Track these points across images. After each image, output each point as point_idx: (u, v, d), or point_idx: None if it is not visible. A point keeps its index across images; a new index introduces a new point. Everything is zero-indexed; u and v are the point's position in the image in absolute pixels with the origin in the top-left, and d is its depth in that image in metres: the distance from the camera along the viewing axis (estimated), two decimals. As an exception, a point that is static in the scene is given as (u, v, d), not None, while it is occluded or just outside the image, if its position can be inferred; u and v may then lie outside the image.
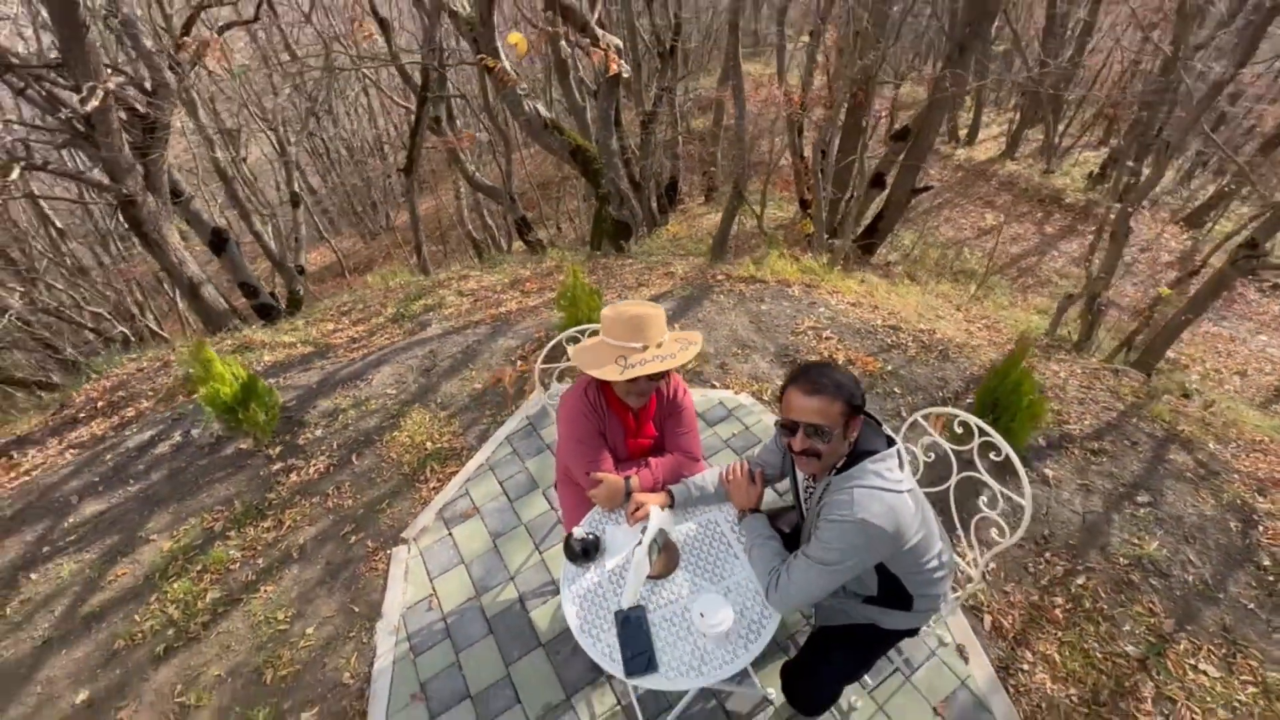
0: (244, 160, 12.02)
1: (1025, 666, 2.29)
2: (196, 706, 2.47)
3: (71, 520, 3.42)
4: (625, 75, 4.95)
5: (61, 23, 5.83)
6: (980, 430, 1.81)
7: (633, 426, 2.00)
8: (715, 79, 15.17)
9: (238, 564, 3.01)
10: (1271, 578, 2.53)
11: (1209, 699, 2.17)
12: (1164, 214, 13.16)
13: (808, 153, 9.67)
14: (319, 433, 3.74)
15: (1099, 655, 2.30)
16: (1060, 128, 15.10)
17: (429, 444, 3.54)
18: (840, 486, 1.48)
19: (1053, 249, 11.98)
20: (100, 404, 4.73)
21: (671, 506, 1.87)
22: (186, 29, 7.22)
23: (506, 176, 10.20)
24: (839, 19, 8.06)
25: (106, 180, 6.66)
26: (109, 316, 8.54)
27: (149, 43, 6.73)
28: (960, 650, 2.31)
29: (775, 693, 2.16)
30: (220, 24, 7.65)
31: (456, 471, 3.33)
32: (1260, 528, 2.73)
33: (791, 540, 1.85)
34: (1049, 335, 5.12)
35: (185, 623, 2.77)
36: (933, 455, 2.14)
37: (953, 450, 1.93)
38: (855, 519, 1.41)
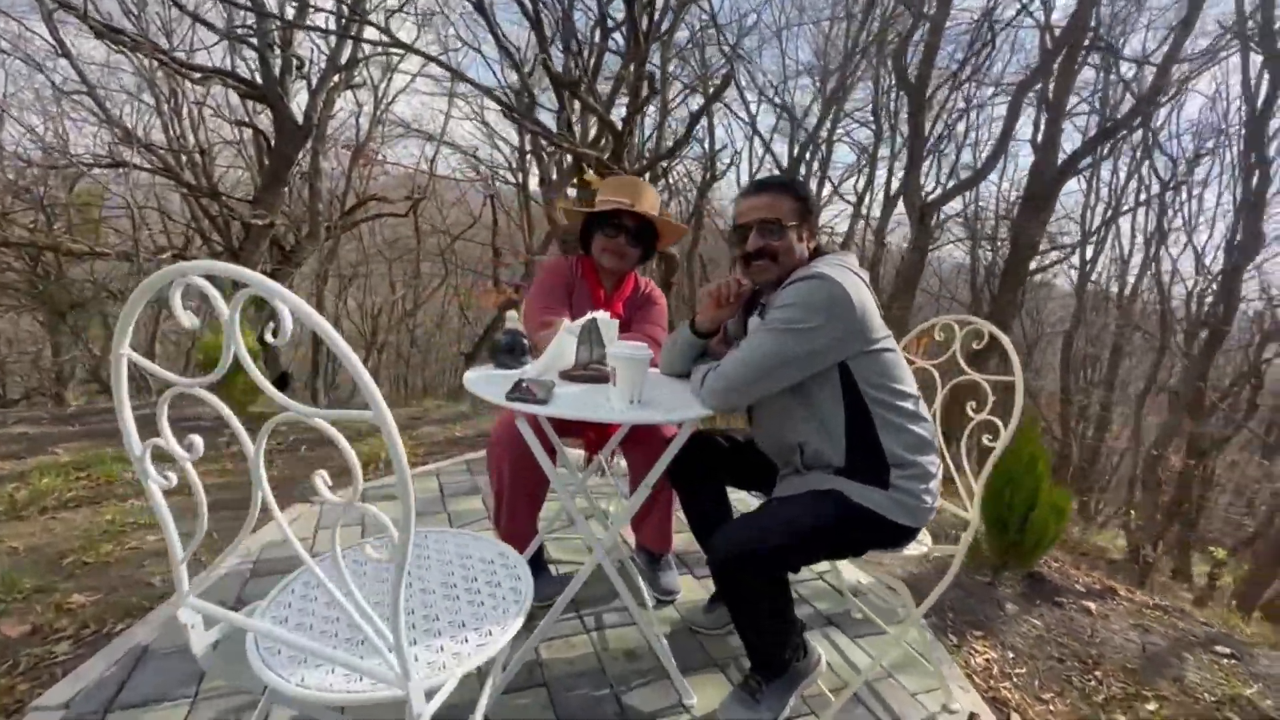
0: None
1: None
2: (-38, 566, 1.93)
3: (-5, 433, 3.19)
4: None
5: (272, 176, 7.78)
6: (964, 324, 1.64)
7: (600, 298, 1.93)
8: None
9: (125, 483, 2.62)
10: None
11: None
12: None
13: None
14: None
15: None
16: None
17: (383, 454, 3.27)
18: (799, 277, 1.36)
19: None
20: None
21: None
22: (352, 210, 9.34)
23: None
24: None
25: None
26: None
27: (321, 205, 8.67)
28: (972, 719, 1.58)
29: (695, 700, 1.51)
30: (375, 211, 9.76)
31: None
32: None
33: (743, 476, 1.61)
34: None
35: (25, 507, 2.33)
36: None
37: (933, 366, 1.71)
38: (817, 275, 1.27)
